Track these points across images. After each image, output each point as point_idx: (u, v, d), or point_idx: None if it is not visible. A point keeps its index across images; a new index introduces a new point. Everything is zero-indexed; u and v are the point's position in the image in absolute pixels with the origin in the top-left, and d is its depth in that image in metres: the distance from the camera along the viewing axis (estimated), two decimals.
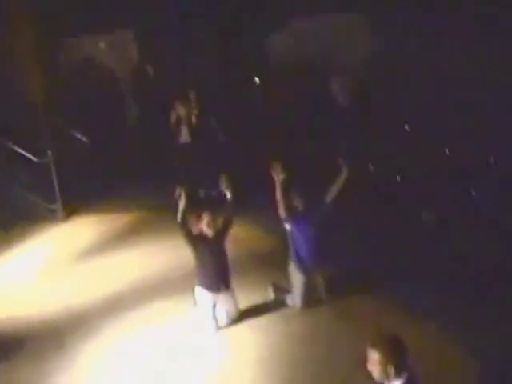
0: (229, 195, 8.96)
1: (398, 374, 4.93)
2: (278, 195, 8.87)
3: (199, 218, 8.79)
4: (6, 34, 14.40)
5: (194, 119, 13.27)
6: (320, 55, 15.28)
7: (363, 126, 13.44)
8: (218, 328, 8.82)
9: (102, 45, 16.81)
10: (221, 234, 8.92)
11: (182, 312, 9.16)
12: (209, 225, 8.75)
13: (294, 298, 9.14)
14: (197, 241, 8.78)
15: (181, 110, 13.30)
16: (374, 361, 4.97)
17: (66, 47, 16.02)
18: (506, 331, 8.06)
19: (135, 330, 9.03)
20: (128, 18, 15.96)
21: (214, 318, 8.82)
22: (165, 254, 11.07)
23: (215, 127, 13.45)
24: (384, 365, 4.93)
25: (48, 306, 9.89)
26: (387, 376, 4.96)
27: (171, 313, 9.27)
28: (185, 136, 13.41)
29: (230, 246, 9.99)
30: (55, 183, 13.27)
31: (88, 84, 16.02)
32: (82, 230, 12.76)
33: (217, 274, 8.82)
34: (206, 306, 8.82)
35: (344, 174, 8.89)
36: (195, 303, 8.98)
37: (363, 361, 5.08)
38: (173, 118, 13.41)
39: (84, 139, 14.53)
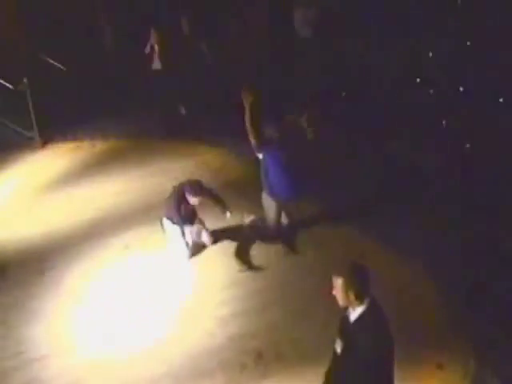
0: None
1: (359, 301, 5.22)
2: (247, 121, 8.79)
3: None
4: None
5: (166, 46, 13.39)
6: None
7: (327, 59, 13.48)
8: (190, 254, 9.11)
9: None
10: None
11: (157, 239, 9.40)
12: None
13: (268, 226, 9.36)
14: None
15: (154, 37, 13.38)
16: (337, 286, 5.24)
17: None
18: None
19: (113, 256, 9.34)
20: None
21: (185, 245, 9.09)
22: (141, 181, 11.31)
23: (205, 51, 13.63)
24: (345, 290, 5.19)
25: (29, 232, 10.15)
26: (349, 302, 5.25)
27: (147, 239, 9.56)
28: (156, 63, 13.55)
29: (206, 175, 10.31)
30: (31, 110, 13.35)
31: (62, 8, 15.89)
32: (59, 156, 12.89)
33: (183, 218, 9.09)
34: (174, 236, 9.10)
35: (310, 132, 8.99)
36: (163, 231, 9.25)
37: (330, 287, 5.35)
38: (148, 46, 13.51)
39: (60, 66, 14.58)
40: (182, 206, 8.96)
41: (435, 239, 8.89)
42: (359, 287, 5.20)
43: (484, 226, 9.01)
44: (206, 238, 9.29)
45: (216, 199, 9.22)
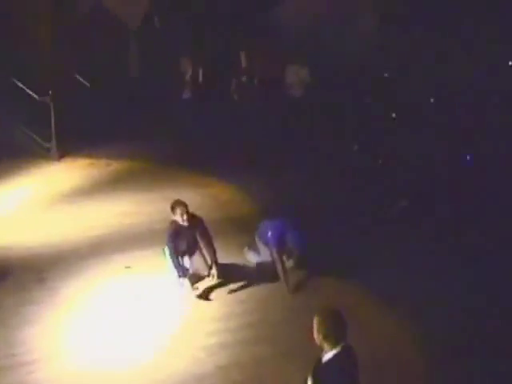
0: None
1: (329, 343, 5.49)
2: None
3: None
4: None
5: (200, 77, 13.81)
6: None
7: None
8: (186, 284, 9.18)
9: None
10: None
11: (158, 263, 9.53)
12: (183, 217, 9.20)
13: (263, 265, 9.60)
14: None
15: (187, 67, 13.81)
16: (313, 328, 5.58)
17: None
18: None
19: (113, 274, 9.54)
20: None
21: (178, 277, 9.14)
22: (149, 205, 11.56)
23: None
24: (316, 331, 5.53)
25: (35, 241, 10.45)
26: (320, 342, 5.54)
27: (148, 263, 9.73)
28: (187, 92, 13.95)
29: (213, 207, 10.53)
30: (52, 122, 13.73)
31: (95, 28, 16.33)
32: (74, 171, 13.28)
33: (182, 250, 9.31)
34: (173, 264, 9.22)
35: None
36: (165, 258, 9.38)
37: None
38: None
39: (86, 83, 14.97)
40: (180, 239, 9.17)
41: (424, 288, 8.97)
42: (328, 330, 5.49)
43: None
44: (205, 269, 9.43)
45: (209, 244, 9.37)
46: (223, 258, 9.45)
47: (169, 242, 9.15)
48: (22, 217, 11.35)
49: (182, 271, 9.12)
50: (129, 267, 9.70)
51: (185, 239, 9.27)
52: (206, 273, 9.42)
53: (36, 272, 9.59)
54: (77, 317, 8.63)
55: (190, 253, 9.40)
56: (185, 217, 9.13)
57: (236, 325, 8.51)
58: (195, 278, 9.33)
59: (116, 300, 9.01)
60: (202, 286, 9.30)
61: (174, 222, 9.24)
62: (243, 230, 10.46)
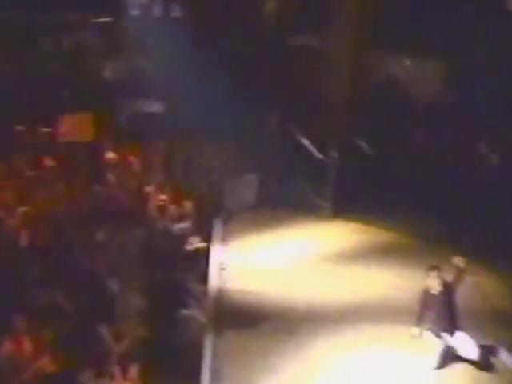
0: None
1: None
2: None
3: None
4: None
5: None
6: None
7: None
8: (438, 364, 8.82)
9: (407, 62, 17.19)
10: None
11: (410, 342, 9.17)
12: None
13: None
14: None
15: None
16: None
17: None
18: None
19: (361, 343, 9.36)
20: None
21: (439, 357, 8.83)
22: (415, 281, 11.00)
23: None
24: None
25: (293, 293, 10.69)
26: None
27: (400, 340, 9.37)
28: None
29: (474, 298, 10.14)
30: (332, 183, 14.06)
31: (384, 102, 16.59)
32: (345, 233, 13.46)
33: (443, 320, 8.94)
34: (434, 344, 8.94)
35: None
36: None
37: None
38: None
39: (369, 151, 15.21)
40: (430, 304, 8.93)
41: None
42: None
43: None
44: (470, 350, 8.85)
45: None
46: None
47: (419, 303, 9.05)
48: (288, 268, 11.67)
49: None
50: (375, 339, 9.46)
51: (436, 307, 8.93)
52: (470, 355, 8.83)
53: (288, 324, 9.76)
54: (319, 377, 8.60)
55: (449, 328, 8.94)
56: (438, 282, 8.86)
57: None
58: (448, 359, 8.88)
59: (360, 371, 8.81)
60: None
61: (426, 288, 9.02)
62: (504, 325, 9.90)
